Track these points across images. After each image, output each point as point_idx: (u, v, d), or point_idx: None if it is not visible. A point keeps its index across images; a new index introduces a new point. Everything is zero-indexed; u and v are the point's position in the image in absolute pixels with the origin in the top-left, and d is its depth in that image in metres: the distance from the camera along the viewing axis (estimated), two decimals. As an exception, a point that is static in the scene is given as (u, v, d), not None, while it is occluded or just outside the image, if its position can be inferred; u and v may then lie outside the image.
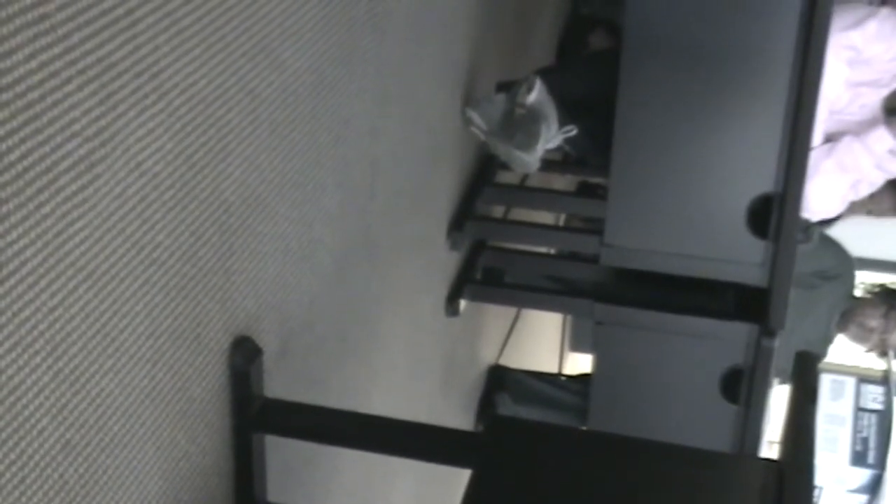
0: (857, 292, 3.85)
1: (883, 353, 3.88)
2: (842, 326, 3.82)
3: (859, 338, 3.83)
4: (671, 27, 2.85)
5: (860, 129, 3.11)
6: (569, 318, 5.85)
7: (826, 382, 6.32)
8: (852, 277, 3.81)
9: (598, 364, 3.31)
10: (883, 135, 3.07)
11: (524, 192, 3.87)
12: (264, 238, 1.88)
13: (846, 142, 3.11)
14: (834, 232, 3.78)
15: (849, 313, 3.79)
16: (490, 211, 3.62)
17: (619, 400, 3.31)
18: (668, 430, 2.92)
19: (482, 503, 1.72)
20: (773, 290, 2.99)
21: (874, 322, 3.76)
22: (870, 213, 3.66)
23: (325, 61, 2.04)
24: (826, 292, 3.75)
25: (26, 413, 1.28)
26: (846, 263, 3.80)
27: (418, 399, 3.14)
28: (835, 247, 3.77)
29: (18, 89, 1.18)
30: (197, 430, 1.75)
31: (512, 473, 1.78)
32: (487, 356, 4.10)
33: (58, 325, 1.32)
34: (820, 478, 5.79)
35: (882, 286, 3.91)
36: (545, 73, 3.10)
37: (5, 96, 1.16)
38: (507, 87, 3.15)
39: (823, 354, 3.88)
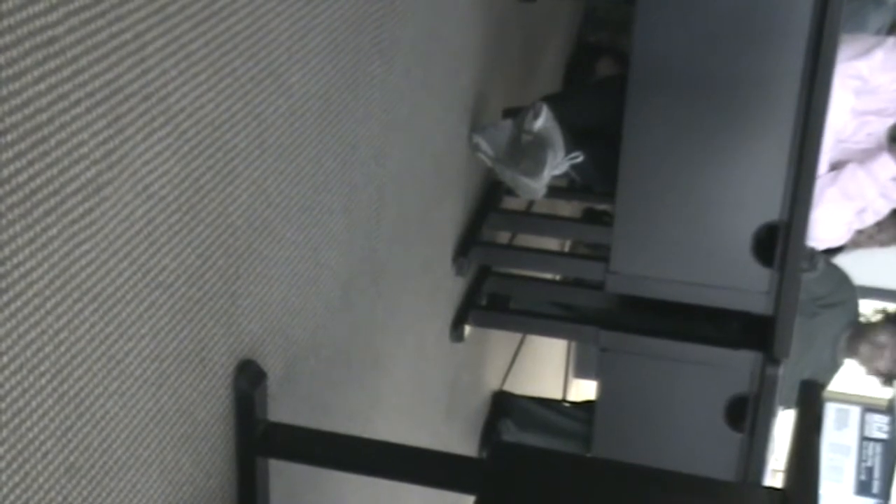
0: (861, 318, 3.83)
1: (888, 381, 3.86)
2: (851, 350, 3.79)
3: (871, 358, 3.79)
4: (678, 55, 2.86)
5: (866, 157, 3.11)
6: (573, 344, 5.84)
7: (831, 411, 6.32)
8: (855, 305, 3.79)
9: (602, 391, 3.30)
10: (887, 162, 3.07)
11: (530, 219, 3.88)
12: (270, 262, 1.89)
13: (850, 169, 3.11)
14: (840, 261, 3.77)
15: (857, 336, 3.76)
16: (495, 237, 3.62)
17: (622, 427, 3.30)
18: (671, 457, 2.91)
19: (486, 530, 1.72)
20: (778, 319, 2.99)
21: (884, 338, 3.72)
22: (881, 244, 3.66)
23: (332, 87, 2.05)
24: (827, 320, 3.73)
25: (31, 436, 1.28)
26: (847, 290, 3.78)
27: (422, 425, 3.13)
28: (835, 273, 3.76)
29: (27, 111, 1.18)
30: (201, 453, 1.74)
31: (515, 500, 1.78)
32: (491, 382, 4.09)
33: (63, 348, 1.32)
34: (824, 507, 5.76)
35: (884, 311, 3.90)
36: (552, 100, 3.11)
37: (14, 118, 1.16)
38: (514, 113, 3.15)
39: (827, 383, 3.87)
